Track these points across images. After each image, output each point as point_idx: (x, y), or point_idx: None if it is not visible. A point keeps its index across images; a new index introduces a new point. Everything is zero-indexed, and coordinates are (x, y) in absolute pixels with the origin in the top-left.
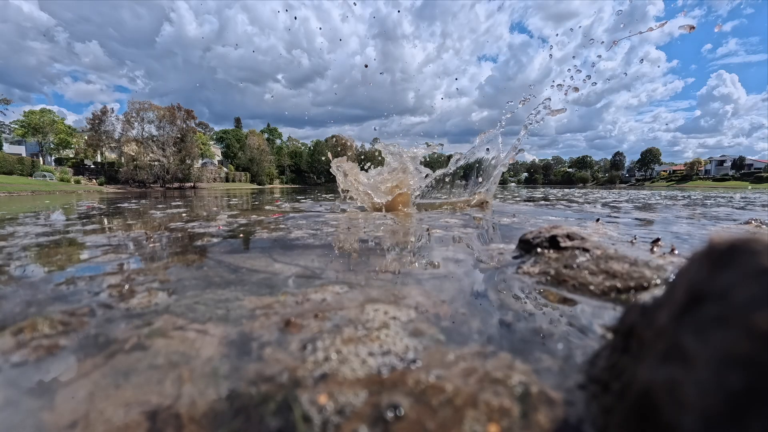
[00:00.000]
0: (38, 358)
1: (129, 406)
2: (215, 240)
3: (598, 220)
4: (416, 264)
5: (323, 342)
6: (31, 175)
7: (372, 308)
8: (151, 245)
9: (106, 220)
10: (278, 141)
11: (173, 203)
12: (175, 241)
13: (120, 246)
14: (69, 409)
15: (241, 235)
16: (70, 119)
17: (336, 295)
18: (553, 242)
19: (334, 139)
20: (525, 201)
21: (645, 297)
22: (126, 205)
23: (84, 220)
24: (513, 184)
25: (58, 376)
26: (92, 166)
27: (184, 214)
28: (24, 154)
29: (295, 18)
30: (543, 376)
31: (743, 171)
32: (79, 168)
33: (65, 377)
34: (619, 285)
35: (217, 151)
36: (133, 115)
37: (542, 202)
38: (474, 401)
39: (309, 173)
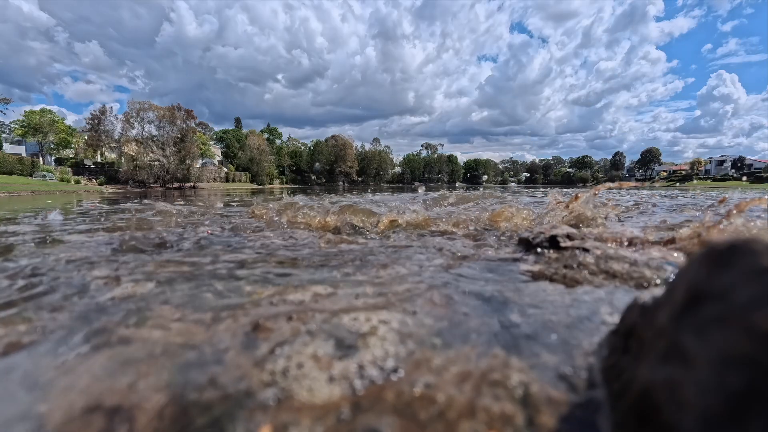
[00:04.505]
0: None
1: (73, 406)
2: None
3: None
4: (413, 258)
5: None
6: (31, 175)
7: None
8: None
9: (108, 218)
10: (278, 141)
11: (175, 203)
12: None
13: (113, 242)
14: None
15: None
16: (70, 119)
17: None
18: (553, 242)
19: (334, 139)
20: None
21: (645, 297)
22: (129, 204)
23: (82, 218)
24: (513, 184)
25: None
26: (92, 166)
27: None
28: (24, 154)
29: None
30: (543, 375)
31: (743, 171)
32: (79, 168)
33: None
34: (618, 285)
35: (217, 151)
36: (133, 115)
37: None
38: (472, 406)
39: (309, 173)
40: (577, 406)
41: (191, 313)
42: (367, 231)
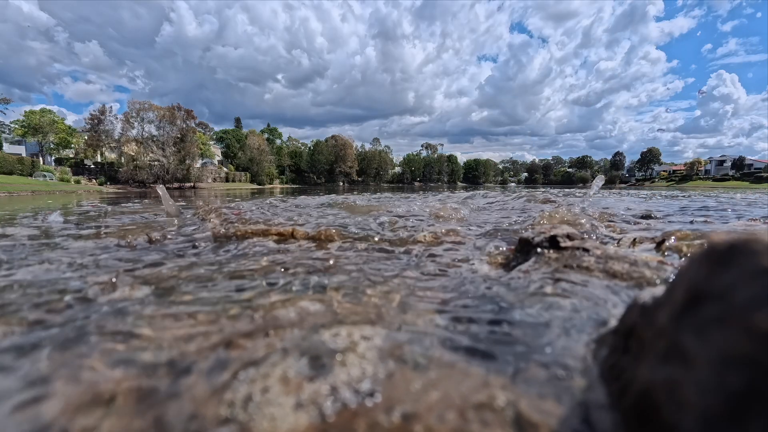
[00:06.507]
0: None
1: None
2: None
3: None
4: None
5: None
6: (31, 175)
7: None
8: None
9: (108, 218)
10: (278, 141)
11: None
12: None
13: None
14: None
15: None
16: (70, 119)
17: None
18: (553, 242)
19: (334, 139)
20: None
21: (645, 296)
22: (131, 205)
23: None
24: (513, 184)
25: None
26: (92, 166)
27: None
28: (24, 154)
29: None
30: (541, 378)
31: (743, 171)
32: (79, 168)
33: None
34: (619, 284)
35: (217, 151)
36: (133, 115)
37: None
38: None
39: (309, 173)
40: (576, 407)
41: (158, 328)
42: None
